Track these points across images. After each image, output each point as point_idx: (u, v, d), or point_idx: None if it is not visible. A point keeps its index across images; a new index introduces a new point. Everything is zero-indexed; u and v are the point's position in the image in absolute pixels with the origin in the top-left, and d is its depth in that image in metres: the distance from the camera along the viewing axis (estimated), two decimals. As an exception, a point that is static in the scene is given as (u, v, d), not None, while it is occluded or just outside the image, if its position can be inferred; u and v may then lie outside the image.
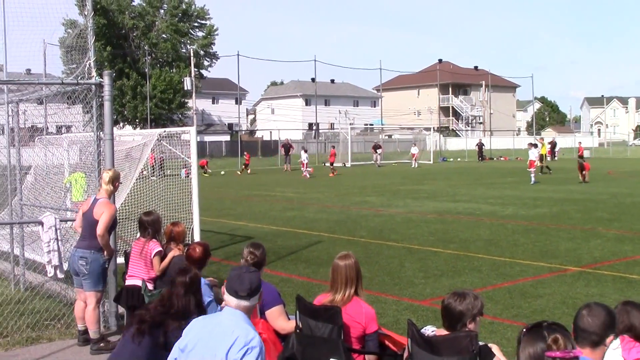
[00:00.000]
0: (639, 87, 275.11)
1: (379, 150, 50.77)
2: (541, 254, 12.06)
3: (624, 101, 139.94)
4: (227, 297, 3.88)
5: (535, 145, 31.90)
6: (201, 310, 5.00)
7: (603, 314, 3.51)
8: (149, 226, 7.22)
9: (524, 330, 3.10)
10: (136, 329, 4.58)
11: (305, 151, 40.13)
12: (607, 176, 33.75)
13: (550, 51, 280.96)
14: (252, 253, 5.56)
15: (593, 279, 10.02)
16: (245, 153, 46.79)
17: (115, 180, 7.28)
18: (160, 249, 7.09)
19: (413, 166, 47.32)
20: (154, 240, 7.17)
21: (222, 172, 42.94)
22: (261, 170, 38.67)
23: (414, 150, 48.83)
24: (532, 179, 29.14)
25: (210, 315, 4.13)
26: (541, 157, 35.51)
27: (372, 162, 51.05)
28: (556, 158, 53.90)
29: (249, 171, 42.85)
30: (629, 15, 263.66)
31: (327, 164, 40.61)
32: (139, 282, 6.91)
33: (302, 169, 38.57)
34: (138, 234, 7.38)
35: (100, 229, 6.98)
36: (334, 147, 47.97)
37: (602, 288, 9.41)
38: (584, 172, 29.02)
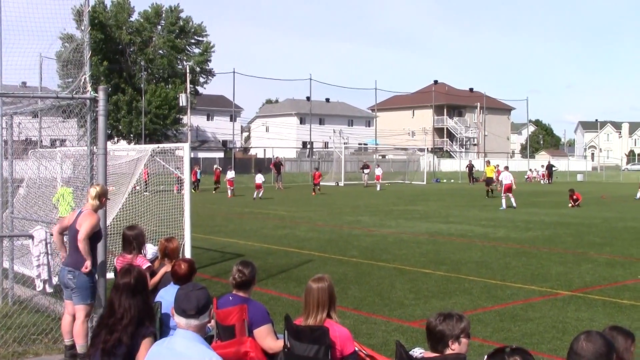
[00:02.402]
0: (633, 112, 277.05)
1: (366, 170, 50.01)
2: (532, 278, 12.06)
3: (617, 126, 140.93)
4: (177, 319, 3.80)
5: (507, 168, 30.50)
6: (149, 309, 4.94)
7: (599, 343, 3.44)
8: (133, 240, 7.20)
9: (486, 356, 3.09)
10: (101, 352, 4.58)
11: (231, 170, 39.85)
12: (600, 200, 33.86)
13: (545, 74, 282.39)
14: (240, 271, 5.50)
15: (583, 303, 10.02)
16: (215, 168, 44.08)
17: (102, 196, 7.21)
18: (150, 264, 7.07)
19: (378, 189, 43.69)
20: (140, 255, 7.14)
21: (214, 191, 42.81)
22: (253, 188, 38.58)
23: (378, 171, 45.97)
24: (504, 204, 27.76)
25: (164, 341, 3.99)
26: (489, 181, 36.23)
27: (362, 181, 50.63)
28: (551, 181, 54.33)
29: (213, 192, 39.54)
30: (624, 41, 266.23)
31: (314, 185, 40.33)
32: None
33: (229, 187, 37.47)
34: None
35: (81, 234, 6.94)
36: (317, 169, 46.61)
37: (592, 313, 9.41)
38: (574, 197, 28.96)
